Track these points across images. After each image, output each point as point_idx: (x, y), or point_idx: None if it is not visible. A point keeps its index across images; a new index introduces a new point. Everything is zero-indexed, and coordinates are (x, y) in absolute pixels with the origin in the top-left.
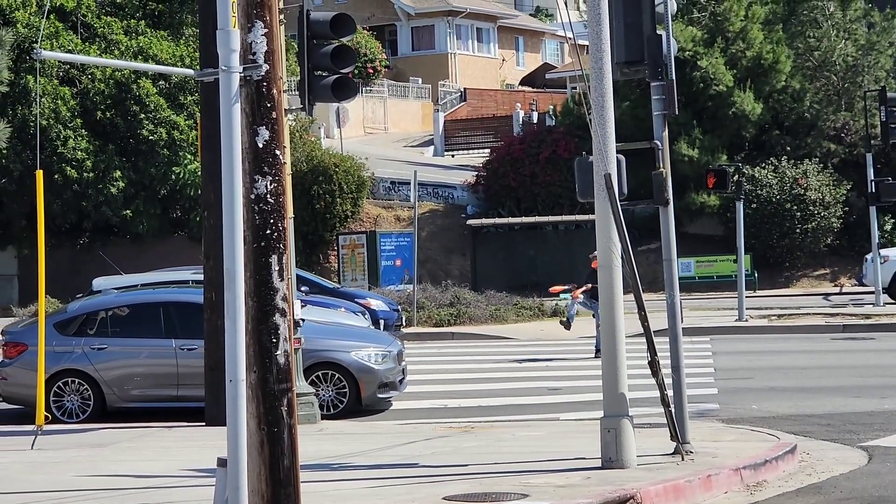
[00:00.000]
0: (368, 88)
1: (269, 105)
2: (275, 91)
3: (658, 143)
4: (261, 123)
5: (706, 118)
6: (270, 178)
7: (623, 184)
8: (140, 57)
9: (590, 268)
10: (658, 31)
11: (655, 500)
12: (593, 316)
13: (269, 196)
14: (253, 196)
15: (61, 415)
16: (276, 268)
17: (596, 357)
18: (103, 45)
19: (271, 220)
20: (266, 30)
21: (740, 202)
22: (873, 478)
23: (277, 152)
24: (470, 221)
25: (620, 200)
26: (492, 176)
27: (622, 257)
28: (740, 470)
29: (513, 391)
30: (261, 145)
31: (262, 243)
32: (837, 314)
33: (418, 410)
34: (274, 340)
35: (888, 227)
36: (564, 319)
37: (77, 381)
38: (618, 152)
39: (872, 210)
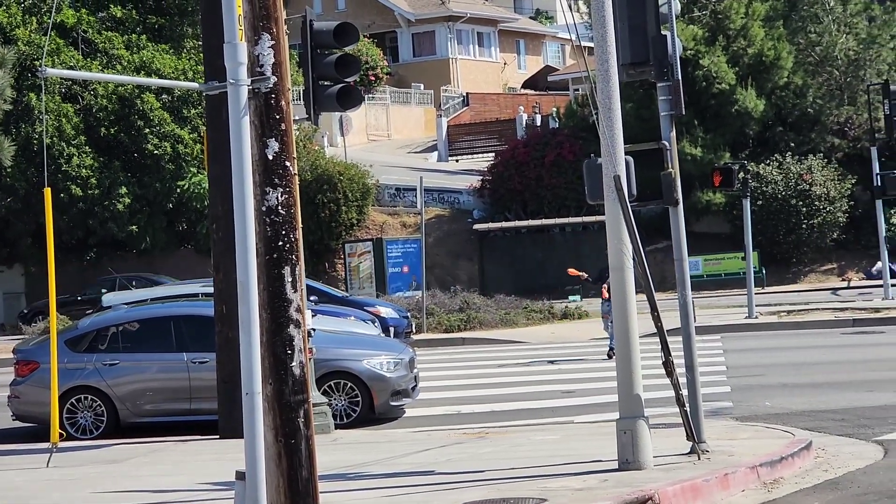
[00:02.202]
0: (371, 96)
1: (277, 117)
2: (283, 103)
3: (666, 143)
4: (270, 135)
5: (709, 116)
6: (281, 190)
7: (632, 185)
8: (142, 72)
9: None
10: (663, 32)
11: (673, 501)
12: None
13: (280, 208)
14: (264, 208)
15: (75, 431)
16: (290, 279)
17: (609, 358)
18: (105, 61)
19: (283, 232)
20: (273, 42)
21: (747, 199)
22: (891, 472)
23: (287, 164)
24: (476, 226)
25: (630, 202)
26: (497, 180)
27: (634, 259)
28: (757, 468)
29: (526, 395)
30: (271, 157)
31: (275, 255)
32: (847, 308)
33: (432, 417)
34: (289, 352)
35: (894, 220)
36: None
37: (90, 397)
38: (626, 154)
39: (878, 203)
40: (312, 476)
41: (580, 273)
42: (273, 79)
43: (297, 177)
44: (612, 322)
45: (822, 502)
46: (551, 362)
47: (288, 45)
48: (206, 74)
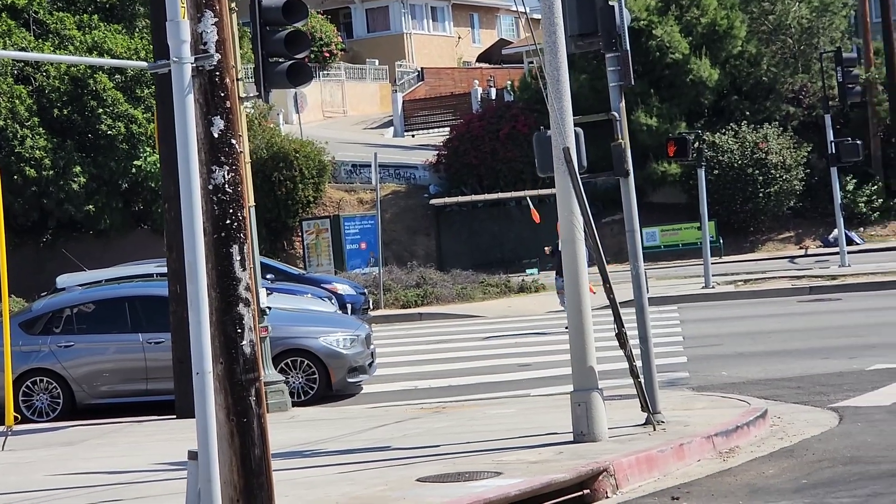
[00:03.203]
0: (325, 72)
1: (222, 94)
2: (228, 80)
3: (616, 114)
4: (215, 113)
5: (664, 86)
6: (227, 168)
7: (582, 157)
8: (95, 52)
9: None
10: (610, 2)
11: (628, 472)
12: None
13: (227, 186)
14: (211, 187)
15: (31, 414)
16: (238, 257)
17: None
18: (57, 42)
19: (230, 210)
20: (216, 19)
21: (702, 169)
22: (845, 438)
23: (233, 142)
24: (433, 201)
25: (581, 173)
26: (452, 154)
27: (585, 231)
28: (712, 437)
29: (482, 369)
30: (216, 135)
31: (223, 233)
32: (803, 276)
33: (389, 393)
34: (239, 331)
35: (850, 186)
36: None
37: (45, 379)
38: (576, 125)
39: (833, 171)
40: (265, 454)
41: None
42: (217, 56)
43: (243, 154)
44: None
45: (778, 470)
46: (508, 336)
47: (238, 23)
48: (155, 53)
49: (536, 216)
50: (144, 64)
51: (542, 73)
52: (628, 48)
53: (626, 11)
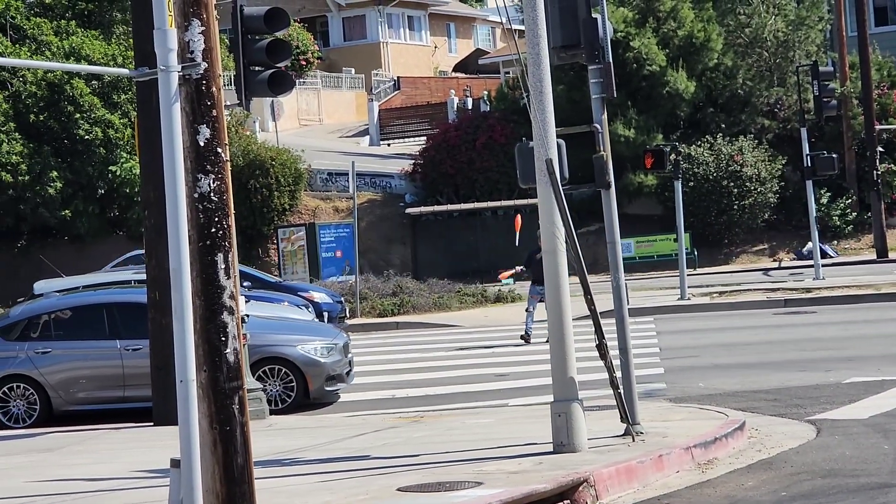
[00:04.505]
0: (302, 80)
1: (209, 103)
2: (214, 89)
3: (598, 126)
4: (202, 122)
5: (641, 98)
6: (213, 177)
7: (565, 168)
8: (72, 58)
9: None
10: (593, 15)
11: (608, 483)
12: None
13: (212, 194)
14: (196, 195)
15: (7, 420)
16: (223, 266)
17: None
18: (34, 47)
19: (216, 219)
20: (203, 28)
21: (678, 181)
22: (823, 451)
23: (219, 150)
24: (409, 210)
25: (562, 185)
26: (429, 164)
27: (566, 241)
28: (691, 449)
29: (460, 379)
30: (202, 144)
31: (208, 242)
32: (778, 289)
33: (367, 402)
34: (223, 339)
35: (824, 199)
36: (524, 334)
37: (22, 385)
38: (558, 137)
39: (809, 184)
40: (248, 462)
41: (513, 270)
42: (204, 65)
43: (229, 163)
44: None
45: (757, 482)
46: (485, 346)
47: (218, 31)
48: (137, 60)
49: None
50: (126, 71)
51: (524, 83)
52: (611, 60)
53: (609, 24)
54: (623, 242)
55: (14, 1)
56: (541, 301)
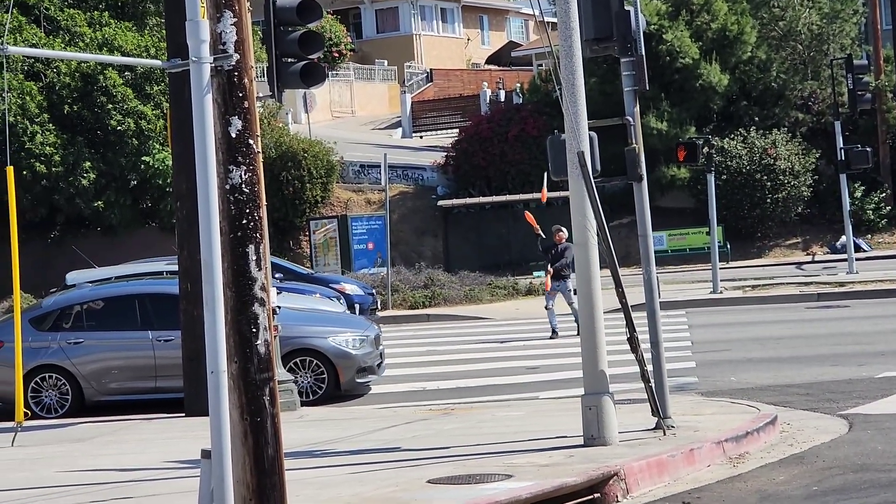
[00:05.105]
0: (334, 72)
1: (240, 95)
2: (246, 80)
3: (630, 118)
4: (233, 113)
5: (673, 91)
6: (245, 168)
7: (596, 161)
8: (105, 49)
9: (552, 241)
10: (626, 7)
11: (639, 476)
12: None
13: (244, 186)
14: (228, 186)
15: (40, 410)
16: (254, 257)
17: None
18: (67, 38)
19: (247, 210)
20: (235, 19)
21: (711, 174)
22: (855, 446)
23: (251, 142)
24: (441, 202)
25: (594, 177)
26: (461, 156)
27: (598, 234)
28: (722, 443)
29: (491, 371)
30: (234, 135)
31: (239, 233)
32: (811, 283)
33: (397, 394)
34: (254, 330)
35: (858, 193)
36: (552, 333)
37: (55, 376)
38: (590, 129)
39: (842, 178)
40: (278, 454)
41: (536, 225)
42: (236, 56)
43: (260, 155)
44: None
45: (788, 476)
46: (516, 339)
47: (251, 22)
48: (169, 52)
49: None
50: (159, 63)
51: (556, 76)
52: (643, 53)
53: (642, 16)
54: (655, 235)
55: None
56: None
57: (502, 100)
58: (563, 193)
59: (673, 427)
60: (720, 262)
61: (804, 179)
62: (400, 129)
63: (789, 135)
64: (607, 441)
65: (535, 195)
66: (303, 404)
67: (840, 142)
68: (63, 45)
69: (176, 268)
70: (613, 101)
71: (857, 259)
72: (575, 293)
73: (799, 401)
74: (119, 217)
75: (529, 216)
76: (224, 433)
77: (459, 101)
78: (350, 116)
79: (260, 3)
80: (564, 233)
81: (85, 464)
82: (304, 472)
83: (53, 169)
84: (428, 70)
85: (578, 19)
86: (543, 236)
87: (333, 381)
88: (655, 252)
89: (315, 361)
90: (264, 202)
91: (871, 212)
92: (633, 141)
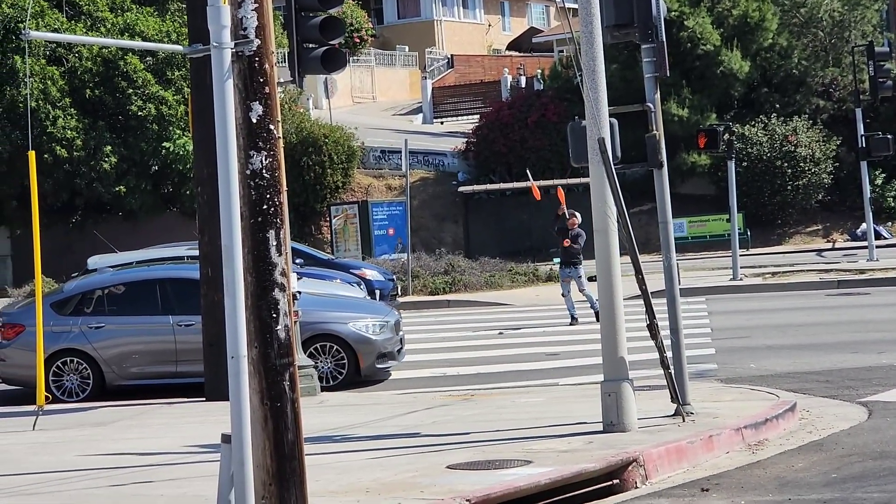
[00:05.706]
0: (355, 58)
1: (261, 80)
2: (267, 66)
3: (650, 105)
4: (254, 99)
5: (694, 78)
6: (265, 154)
7: (617, 148)
8: (126, 34)
9: (565, 224)
10: None
11: (658, 463)
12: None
13: (264, 171)
14: (248, 172)
15: (61, 394)
16: (274, 243)
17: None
18: (89, 23)
19: (267, 196)
20: (256, 4)
21: (731, 161)
22: (874, 433)
23: (271, 127)
24: (461, 188)
25: (614, 164)
26: (481, 142)
27: (618, 221)
28: (741, 429)
29: (511, 357)
30: (254, 121)
31: (259, 218)
32: (832, 270)
33: (417, 380)
34: (274, 315)
35: (879, 181)
36: (571, 320)
37: (76, 360)
38: (611, 116)
39: (863, 165)
40: (298, 439)
41: (564, 204)
42: (256, 41)
43: (281, 140)
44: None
45: (807, 463)
46: (536, 325)
47: (272, 8)
48: (190, 37)
49: (537, 193)
50: (180, 48)
51: (577, 62)
52: (664, 39)
53: (663, 2)
54: (675, 222)
55: None
56: (570, 280)
57: (523, 86)
58: (584, 180)
59: (692, 413)
60: (740, 249)
61: (825, 167)
62: (421, 115)
63: (810, 122)
64: (626, 427)
65: (557, 181)
66: (323, 390)
67: (861, 129)
68: (85, 30)
69: (196, 253)
70: (634, 87)
71: (877, 246)
72: (587, 279)
73: (818, 388)
74: (140, 202)
75: (561, 192)
76: (244, 418)
77: (480, 87)
78: (371, 102)
79: None
80: (578, 218)
81: (105, 447)
82: (324, 457)
83: (75, 153)
84: (449, 56)
85: (599, 5)
86: (567, 216)
87: (353, 367)
88: (675, 239)
89: (335, 347)
90: (285, 187)
91: (891, 199)
92: (654, 128)
